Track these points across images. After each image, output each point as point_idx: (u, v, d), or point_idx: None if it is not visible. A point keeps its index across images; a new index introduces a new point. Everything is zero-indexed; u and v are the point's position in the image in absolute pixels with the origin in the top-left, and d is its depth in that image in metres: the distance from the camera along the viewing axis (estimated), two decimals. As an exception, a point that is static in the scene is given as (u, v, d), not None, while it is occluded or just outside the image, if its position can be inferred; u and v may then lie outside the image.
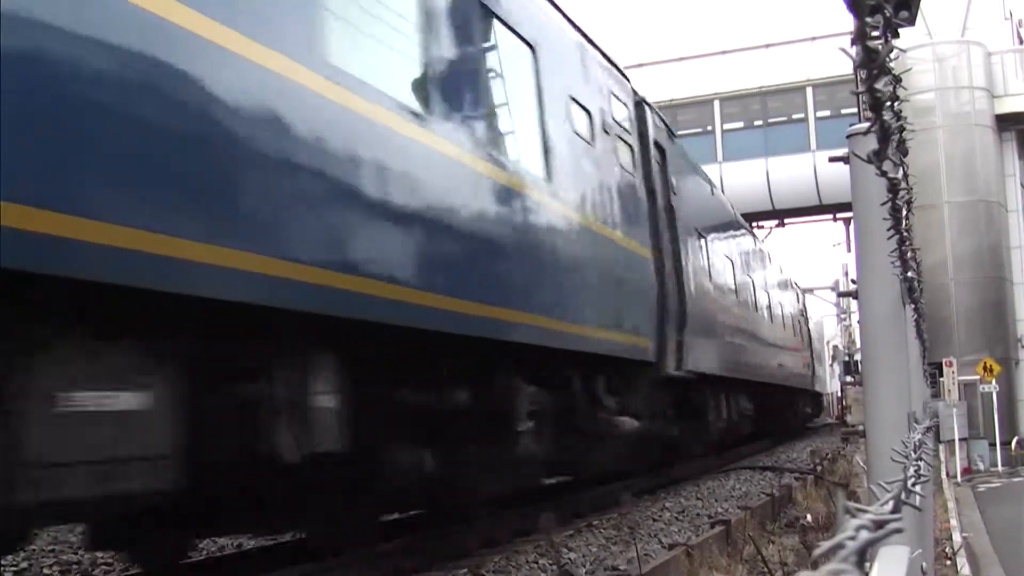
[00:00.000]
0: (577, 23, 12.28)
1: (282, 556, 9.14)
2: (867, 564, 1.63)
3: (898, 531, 1.39)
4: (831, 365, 62.55)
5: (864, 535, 1.19)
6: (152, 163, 4.91)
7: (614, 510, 12.75)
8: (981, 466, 23.75)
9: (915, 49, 25.94)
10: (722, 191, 24.42)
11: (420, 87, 7.83)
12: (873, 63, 1.72)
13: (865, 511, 1.38)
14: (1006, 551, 11.99)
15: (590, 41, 12.67)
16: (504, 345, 8.87)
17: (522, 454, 9.92)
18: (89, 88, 4.64)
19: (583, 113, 11.67)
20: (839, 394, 55.63)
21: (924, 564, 3.79)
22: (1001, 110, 28.76)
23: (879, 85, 1.87)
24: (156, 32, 4.96)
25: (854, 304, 50.06)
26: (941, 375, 24.13)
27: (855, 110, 26.92)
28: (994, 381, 24.01)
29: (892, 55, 1.88)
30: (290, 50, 5.94)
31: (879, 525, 1.31)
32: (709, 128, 36.21)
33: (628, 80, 14.22)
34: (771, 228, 38.03)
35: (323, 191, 6.15)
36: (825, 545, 1.13)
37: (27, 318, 4.56)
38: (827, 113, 35.05)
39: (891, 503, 1.70)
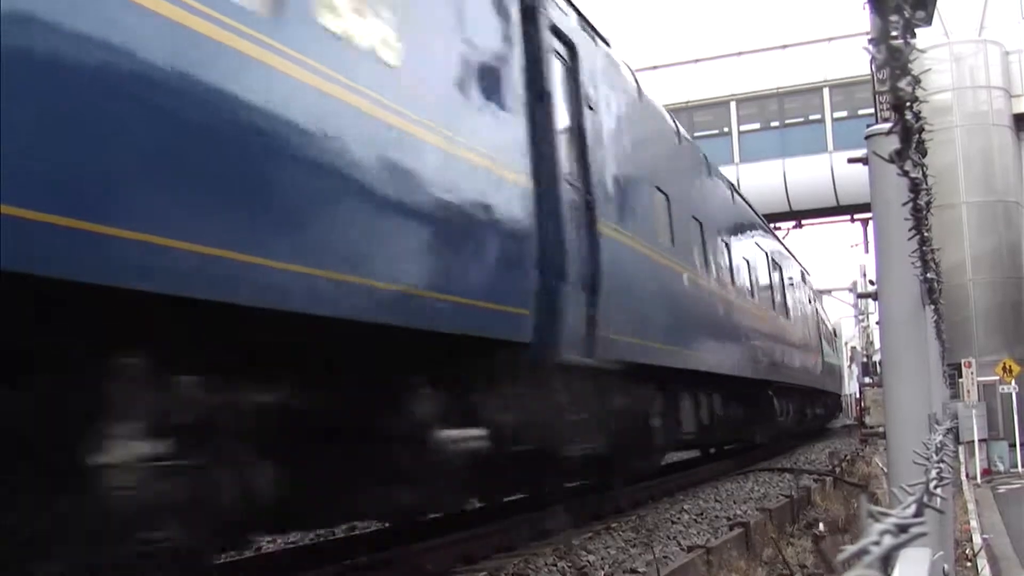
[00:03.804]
0: None
1: (298, 558, 9.15)
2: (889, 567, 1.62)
3: (921, 535, 1.37)
4: (849, 366, 62.43)
5: (888, 540, 1.18)
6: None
7: (632, 512, 12.72)
8: (1001, 467, 23.64)
9: (932, 49, 25.82)
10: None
11: None
12: (896, 62, 1.71)
13: (888, 515, 1.37)
14: (1027, 553, 11.93)
15: None
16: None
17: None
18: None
19: None
20: (857, 395, 55.44)
21: (946, 566, 3.77)
22: (1019, 109, 28.64)
23: (900, 85, 1.86)
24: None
25: (872, 305, 49.94)
26: (960, 376, 24.04)
27: (872, 111, 26.90)
28: (1013, 382, 23.87)
29: (911, 55, 1.86)
30: None
31: (902, 529, 1.30)
32: (726, 129, 36.16)
33: None
34: (788, 229, 37.94)
35: None
36: (850, 550, 1.12)
37: None
38: (844, 114, 34.97)
39: (913, 506, 1.69)
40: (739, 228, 20.69)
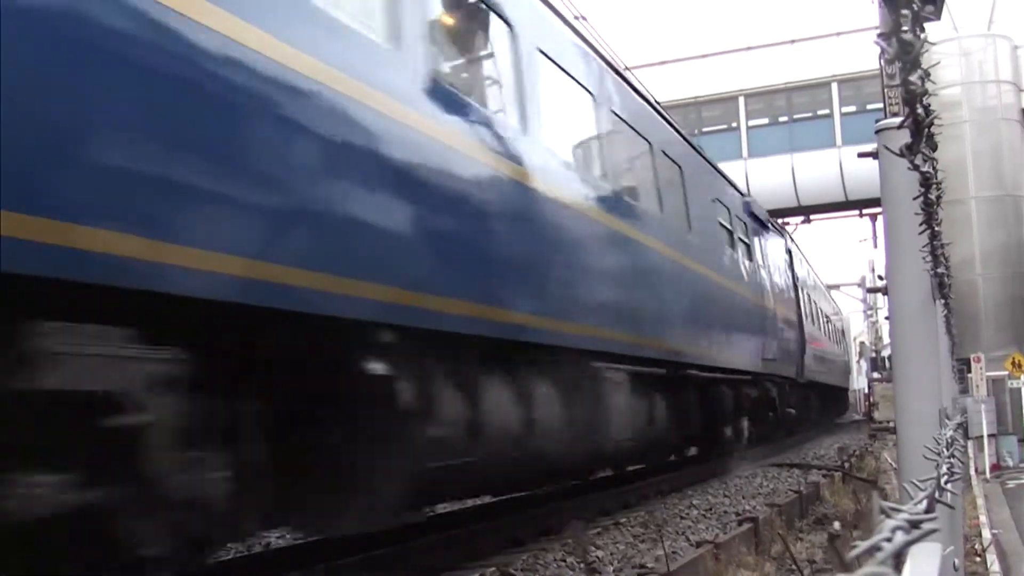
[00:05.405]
0: None
1: (299, 556, 9.14)
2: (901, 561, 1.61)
3: (933, 531, 1.37)
4: (858, 362, 62.40)
5: (901, 537, 1.18)
6: None
7: (642, 508, 12.71)
8: (1010, 462, 23.55)
9: (941, 43, 25.75)
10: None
11: None
12: (908, 56, 1.71)
13: (900, 510, 1.36)
14: (1036, 548, 11.89)
15: None
16: None
17: None
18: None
19: None
20: (866, 390, 55.46)
21: (956, 561, 3.77)
22: (1028, 104, 28.60)
23: (911, 79, 1.85)
24: None
25: (881, 300, 49.88)
26: (969, 371, 23.97)
27: (881, 105, 26.86)
28: (1023, 377, 23.80)
29: (922, 49, 1.86)
30: None
31: (914, 525, 1.29)
32: (734, 124, 36.11)
33: None
34: (797, 224, 37.90)
35: None
36: (862, 546, 1.11)
37: None
38: (853, 109, 34.91)
39: (925, 502, 1.68)
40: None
